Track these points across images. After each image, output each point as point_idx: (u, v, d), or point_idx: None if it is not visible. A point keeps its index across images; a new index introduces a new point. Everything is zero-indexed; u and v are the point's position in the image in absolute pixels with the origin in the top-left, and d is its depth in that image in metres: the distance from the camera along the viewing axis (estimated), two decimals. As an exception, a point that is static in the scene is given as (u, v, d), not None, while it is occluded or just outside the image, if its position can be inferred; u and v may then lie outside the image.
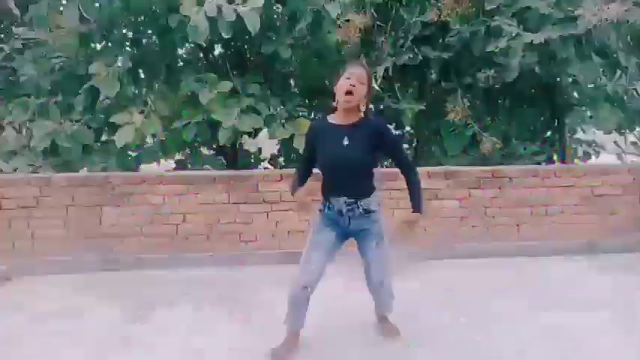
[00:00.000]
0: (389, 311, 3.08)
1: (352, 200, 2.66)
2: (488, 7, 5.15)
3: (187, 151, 6.37)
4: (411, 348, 2.90)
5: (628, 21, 4.68)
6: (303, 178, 2.76)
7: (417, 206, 2.67)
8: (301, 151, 4.64)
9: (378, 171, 2.79)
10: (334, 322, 3.19)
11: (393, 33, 5.62)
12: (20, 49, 5.95)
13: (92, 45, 5.81)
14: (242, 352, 2.87)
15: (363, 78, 2.58)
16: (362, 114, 2.64)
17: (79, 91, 5.45)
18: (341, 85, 2.57)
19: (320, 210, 2.79)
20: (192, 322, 3.27)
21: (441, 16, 5.22)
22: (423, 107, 5.51)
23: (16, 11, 6.44)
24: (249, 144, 7.18)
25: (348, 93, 2.54)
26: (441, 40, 5.61)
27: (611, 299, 3.57)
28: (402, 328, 3.09)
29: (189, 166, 6.23)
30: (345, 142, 2.60)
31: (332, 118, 2.70)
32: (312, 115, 6.74)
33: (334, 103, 2.65)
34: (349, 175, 2.63)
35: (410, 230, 2.66)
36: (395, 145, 2.78)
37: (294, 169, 2.96)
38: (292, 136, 5.23)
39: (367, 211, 2.69)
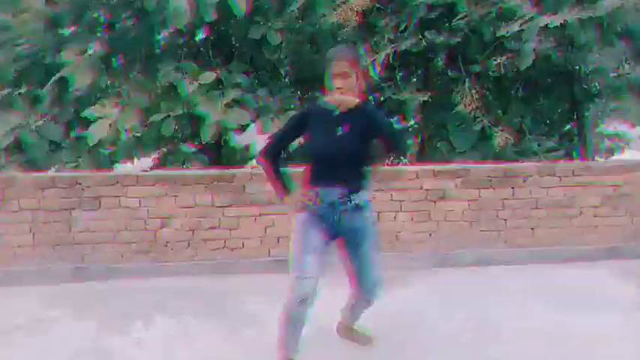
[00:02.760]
0: (357, 319, 3.11)
1: (346, 191, 2.67)
2: (499, -12, 5.18)
3: (166, 147, 6.38)
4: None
5: (655, 2, 4.71)
6: (278, 167, 2.81)
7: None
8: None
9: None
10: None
11: (394, 16, 5.64)
12: (-20, 35, 5.95)
13: (61, 30, 5.81)
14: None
15: (346, 69, 2.62)
16: (357, 100, 2.67)
17: (47, 82, 5.45)
18: (329, 87, 2.65)
19: (306, 204, 2.69)
20: (173, 336, 3.28)
21: (448, -2, 5.24)
22: (427, 98, 5.53)
23: (-24, -7, 6.43)
24: (235, 140, 7.19)
25: (338, 94, 2.62)
26: (447, 24, 5.62)
27: (634, 309, 3.59)
28: (408, 337, 3.11)
29: (168, 164, 6.24)
30: (343, 129, 2.65)
31: (327, 103, 2.71)
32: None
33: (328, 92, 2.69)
34: (347, 164, 2.67)
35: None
36: (382, 123, 2.78)
37: (263, 157, 2.85)
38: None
39: (359, 207, 2.72)
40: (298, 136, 2.78)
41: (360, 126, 2.64)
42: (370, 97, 6.57)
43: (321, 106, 2.74)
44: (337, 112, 2.67)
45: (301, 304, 2.58)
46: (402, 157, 7.71)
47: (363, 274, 2.83)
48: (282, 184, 2.78)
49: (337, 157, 2.64)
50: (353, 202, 2.69)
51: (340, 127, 2.65)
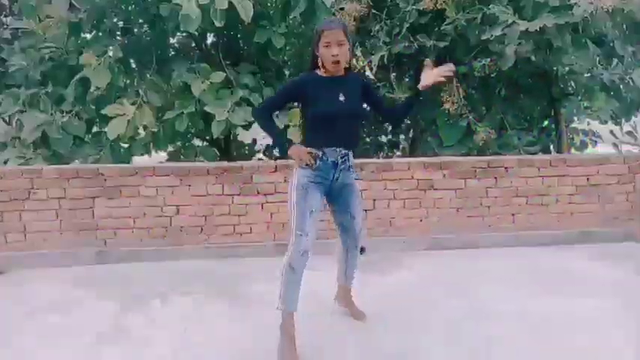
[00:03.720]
0: (352, 278, 3.14)
1: (346, 152, 2.75)
2: (484, -5, 5.15)
3: (180, 142, 6.36)
4: (412, 336, 2.93)
5: (623, 10, 4.69)
6: (274, 123, 2.82)
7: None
8: (294, 140, 4.65)
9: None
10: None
11: (388, 21, 5.61)
12: (9, 39, 5.91)
13: (82, 35, 5.77)
14: (240, 345, 2.88)
15: (342, 38, 2.60)
16: (347, 66, 2.74)
17: (70, 82, 5.41)
18: (325, 57, 2.61)
19: (313, 161, 2.66)
20: (188, 315, 3.28)
21: (437, 4, 5.21)
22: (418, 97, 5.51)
23: (5, 1, 6.38)
24: (243, 135, 7.17)
25: (335, 62, 2.61)
26: (436, 29, 5.59)
27: (607, 287, 3.61)
28: (401, 315, 3.12)
29: (181, 157, 6.22)
30: (342, 95, 2.67)
31: (320, 73, 2.71)
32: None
33: (320, 66, 2.69)
34: (347, 128, 2.70)
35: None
36: (377, 93, 2.90)
37: (258, 112, 2.82)
38: (286, 127, 5.23)
39: (351, 166, 2.81)
40: (289, 102, 2.85)
41: (356, 90, 2.72)
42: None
43: (316, 74, 2.72)
44: (334, 78, 2.68)
45: (302, 257, 2.64)
46: (394, 150, 7.71)
47: (352, 222, 2.91)
48: (283, 137, 2.78)
49: (341, 119, 2.66)
50: (348, 163, 2.77)
51: (341, 92, 2.67)
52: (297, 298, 2.70)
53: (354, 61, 5.31)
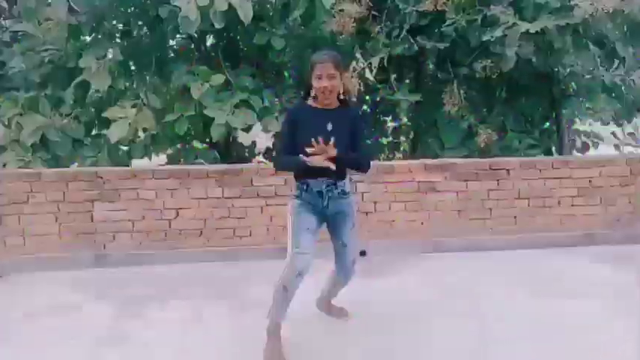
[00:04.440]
0: (336, 295, 3.16)
1: (331, 181, 2.74)
2: (484, -4, 5.13)
3: (179, 145, 6.33)
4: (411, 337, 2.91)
5: (624, 11, 4.67)
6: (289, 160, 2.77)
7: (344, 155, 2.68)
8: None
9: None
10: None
11: (388, 23, 5.59)
12: (8, 42, 5.90)
13: (82, 37, 5.75)
14: (240, 348, 2.86)
15: (332, 72, 2.64)
16: (342, 98, 2.76)
17: (69, 85, 5.40)
18: (316, 88, 2.66)
19: (296, 196, 2.80)
20: (187, 318, 3.26)
21: (437, 6, 5.18)
22: (419, 98, 5.50)
23: (4, 3, 6.38)
24: (242, 137, 7.15)
25: (324, 92, 2.65)
26: (436, 30, 5.58)
27: (609, 289, 3.59)
28: (403, 317, 3.10)
29: (181, 160, 6.19)
30: (330, 126, 2.69)
31: (312, 103, 2.75)
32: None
33: (311, 94, 2.73)
34: (331, 159, 2.66)
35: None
36: (361, 131, 2.85)
37: (276, 169, 3.08)
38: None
39: (344, 192, 2.81)
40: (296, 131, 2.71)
41: (345, 123, 2.73)
42: (366, 97, 6.54)
43: (307, 105, 2.76)
44: (324, 110, 2.70)
45: (297, 277, 2.64)
46: (393, 153, 7.70)
47: (344, 252, 2.90)
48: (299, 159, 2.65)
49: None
50: (339, 189, 2.78)
51: (330, 121, 2.69)
52: (287, 311, 2.74)
53: (353, 62, 5.30)
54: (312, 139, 2.56)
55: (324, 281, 3.16)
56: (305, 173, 2.72)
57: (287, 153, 2.76)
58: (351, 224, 2.88)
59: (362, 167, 2.85)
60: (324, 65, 2.63)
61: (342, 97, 2.76)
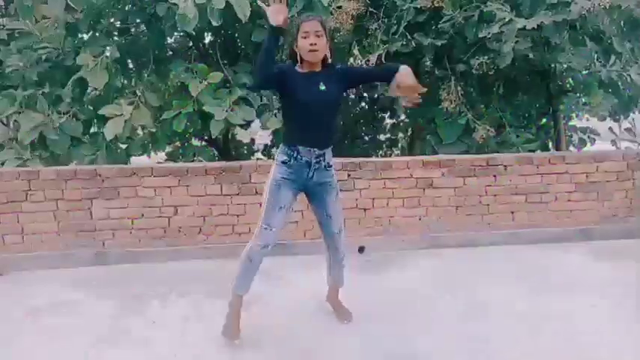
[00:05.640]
0: (341, 280, 3.15)
1: (321, 152, 2.76)
2: (481, -8, 5.13)
3: (178, 142, 6.34)
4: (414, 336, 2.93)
5: (621, 6, 4.69)
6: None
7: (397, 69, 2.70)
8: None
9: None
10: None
11: (386, 20, 5.59)
12: (5, 40, 5.88)
13: (79, 35, 5.74)
14: (240, 344, 2.88)
15: (320, 30, 2.62)
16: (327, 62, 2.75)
17: (67, 83, 5.39)
18: (303, 47, 2.62)
19: (283, 161, 2.77)
20: (187, 315, 3.28)
21: (434, 2, 5.19)
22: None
23: (0, 1, 6.35)
24: (241, 134, 7.16)
25: (313, 51, 2.62)
26: (434, 27, 5.58)
27: (606, 285, 3.61)
28: (404, 315, 3.11)
29: (180, 158, 6.20)
30: (322, 86, 2.69)
31: (298, 68, 2.72)
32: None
33: (299, 61, 2.68)
34: (325, 121, 2.74)
35: (410, 84, 2.67)
36: (361, 68, 2.87)
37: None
38: (284, 126, 5.22)
39: (329, 165, 2.83)
40: (279, 76, 2.62)
41: (335, 82, 2.72)
42: (364, 94, 6.55)
43: (294, 69, 2.71)
44: (313, 73, 2.68)
45: (262, 250, 2.79)
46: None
47: (329, 223, 2.92)
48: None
49: (319, 109, 2.68)
50: (325, 162, 2.79)
51: (321, 81, 2.68)
52: (250, 285, 2.88)
53: (350, 59, 5.30)
54: None
55: (325, 274, 3.18)
56: (296, 139, 2.72)
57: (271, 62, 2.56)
58: (334, 195, 2.90)
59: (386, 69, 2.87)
60: (311, 23, 2.61)
61: (328, 61, 2.72)
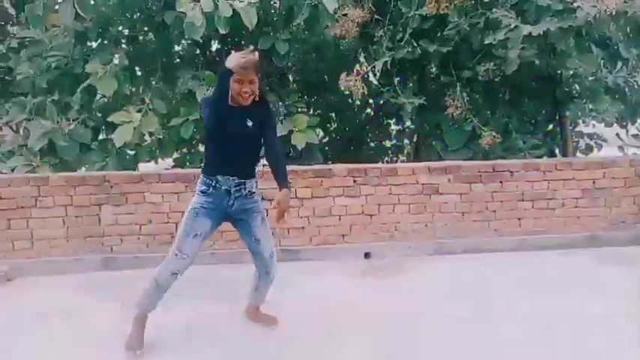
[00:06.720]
0: (263, 299, 3.20)
1: (241, 181, 2.80)
2: (486, -1, 5.15)
3: (185, 149, 6.38)
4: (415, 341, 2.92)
5: (627, 12, 4.68)
6: None
7: (285, 183, 2.77)
8: (298, 146, 4.64)
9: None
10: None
11: (391, 27, 5.62)
12: (16, 48, 5.96)
13: (88, 43, 5.81)
14: (243, 349, 2.88)
15: (252, 74, 2.66)
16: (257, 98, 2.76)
17: (76, 90, 5.45)
18: (235, 90, 2.66)
19: (202, 191, 2.81)
20: (192, 320, 3.29)
21: (440, 9, 5.21)
22: (422, 101, 5.52)
23: (12, 10, 6.45)
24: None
25: (244, 96, 2.67)
26: (439, 34, 5.60)
27: (614, 291, 3.59)
28: (409, 321, 3.11)
29: (187, 164, 6.24)
30: (249, 122, 2.75)
31: (229, 102, 2.71)
32: (311, 111, 6.73)
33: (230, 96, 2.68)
34: (247, 156, 2.81)
35: (282, 212, 2.68)
36: (273, 125, 2.92)
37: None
38: (290, 132, 5.24)
39: (251, 193, 2.87)
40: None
41: (260, 121, 2.77)
42: (370, 101, 6.56)
43: (225, 102, 2.69)
44: (242, 108, 2.71)
45: (172, 276, 2.80)
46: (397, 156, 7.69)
47: (259, 247, 2.95)
48: None
49: (245, 148, 2.76)
50: (246, 190, 2.83)
51: (248, 118, 2.74)
52: (157, 303, 2.93)
53: (357, 66, 5.32)
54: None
55: (249, 289, 3.20)
56: (216, 168, 2.76)
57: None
58: (259, 219, 2.93)
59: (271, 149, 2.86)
60: (246, 72, 2.63)
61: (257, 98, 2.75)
